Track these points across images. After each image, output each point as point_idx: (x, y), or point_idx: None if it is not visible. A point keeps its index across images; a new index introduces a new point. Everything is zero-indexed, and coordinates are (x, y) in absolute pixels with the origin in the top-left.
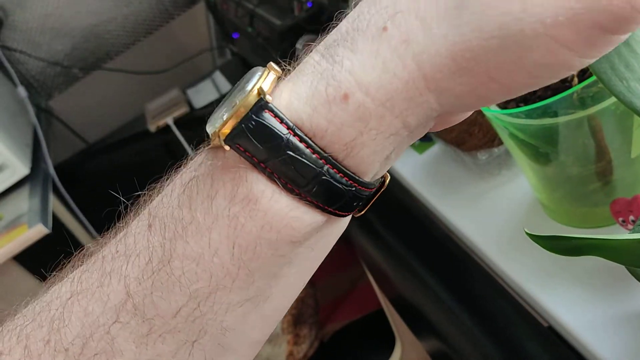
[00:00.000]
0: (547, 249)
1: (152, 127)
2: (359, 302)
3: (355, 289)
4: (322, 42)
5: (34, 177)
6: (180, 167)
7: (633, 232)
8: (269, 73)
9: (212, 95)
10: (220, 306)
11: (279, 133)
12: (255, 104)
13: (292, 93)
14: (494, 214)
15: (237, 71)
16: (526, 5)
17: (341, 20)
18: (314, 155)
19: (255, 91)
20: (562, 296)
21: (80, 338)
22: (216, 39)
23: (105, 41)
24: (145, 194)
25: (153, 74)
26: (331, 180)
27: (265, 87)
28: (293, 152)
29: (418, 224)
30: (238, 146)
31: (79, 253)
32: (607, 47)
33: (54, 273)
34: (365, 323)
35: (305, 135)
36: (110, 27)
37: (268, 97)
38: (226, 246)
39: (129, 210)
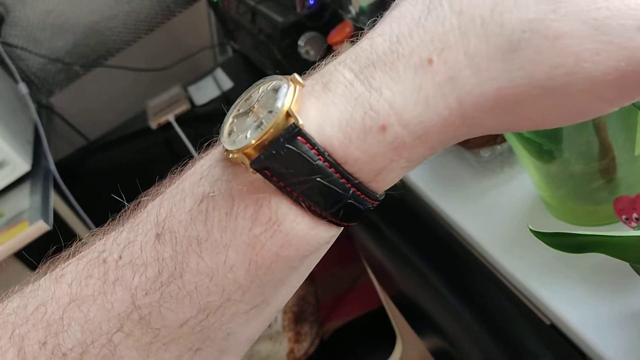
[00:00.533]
0: (551, 246)
1: (153, 124)
2: (359, 300)
3: (356, 286)
4: (352, 56)
5: (35, 174)
6: (184, 169)
7: (638, 229)
8: (295, 89)
9: (214, 93)
10: (228, 316)
11: (310, 160)
12: (287, 129)
13: (324, 117)
14: (497, 211)
15: (239, 68)
16: (579, 62)
17: (374, 35)
18: (341, 180)
19: (284, 111)
20: (564, 294)
21: (81, 344)
22: (217, 36)
23: (107, 38)
24: (145, 194)
25: (154, 71)
26: (355, 202)
27: (295, 107)
28: (322, 178)
29: (420, 222)
30: (266, 171)
31: (72, 246)
32: (638, 98)
33: (45, 263)
34: (366, 321)
35: (336, 162)
36: (111, 24)
37: (301, 123)
38: (242, 263)
39: (128, 207)
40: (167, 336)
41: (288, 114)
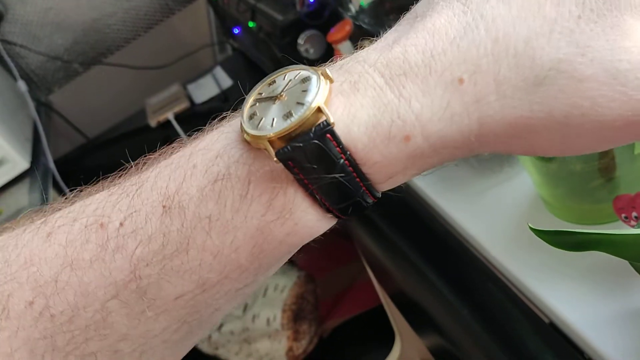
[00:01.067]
0: (551, 244)
1: (153, 122)
2: (358, 298)
3: (355, 285)
4: (384, 61)
5: (34, 172)
6: (192, 141)
7: (638, 227)
8: (326, 84)
9: (213, 91)
10: (222, 293)
11: (333, 157)
12: (319, 126)
13: (352, 117)
14: (496, 210)
15: (238, 67)
16: (594, 106)
17: (407, 44)
18: (356, 180)
19: (316, 107)
20: (564, 292)
21: (72, 308)
22: (217, 34)
23: (106, 36)
24: (147, 158)
25: (154, 69)
26: (362, 200)
27: (325, 105)
28: (340, 177)
29: (420, 220)
30: (289, 162)
31: (63, 200)
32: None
33: (28, 214)
34: (365, 319)
35: (357, 163)
36: (110, 21)
37: (332, 121)
38: (248, 245)
39: (125, 168)
40: (161, 307)
41: (319, 109)
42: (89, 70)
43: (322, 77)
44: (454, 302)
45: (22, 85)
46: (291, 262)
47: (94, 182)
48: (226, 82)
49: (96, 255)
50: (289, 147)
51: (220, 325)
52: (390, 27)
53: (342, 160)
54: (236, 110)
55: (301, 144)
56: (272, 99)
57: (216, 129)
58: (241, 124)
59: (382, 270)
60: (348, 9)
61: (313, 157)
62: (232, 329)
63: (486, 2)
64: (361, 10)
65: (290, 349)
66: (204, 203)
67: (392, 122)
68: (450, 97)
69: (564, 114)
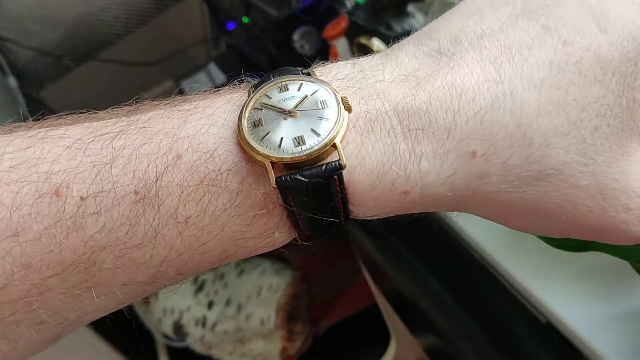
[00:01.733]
0: (552, 245)
1: None
2: (353, 299)
3: (350, 285)
4: (406, 102)
5: None
6: (185, 112)
7: None
8: (344, 116)
9: (206, 87)
10: (166, 284)
11: (331, 197)
12: (329, 167)
13: (360, 160)
14: None
15: (232, 63)
16: (574, 211)
17: (431, 92)
18: (341, 215)
19: (331, 142)
20: (561, 293)
21: (7, 278)
22: (211, 29)
23: (98, 31)
24: (141, 104)
25: (147, 65)
26: (334, 228)
27: (340, 142)
28: (330, 214)
29: (416, 220)
30: (287, 193)
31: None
32: None
33: None
34: (359, 319)
35: (349, 203)
36: (103, 16)
37: (344, 163)
38: (216, 251)
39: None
40: (104, 291)
41: (334, 146)
42: (81, 66)
43: (341, 106)
44: (450, 302)
45: (12, 81)
46: (285, 262)
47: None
48: (220, 78)
49: (47, 230)
50: (291, 177)
51: (214, 325)
52: (386, 24)
53: (336, 199)
54: (232, 83)
55: (304, 178)
56: (283, 112)
57: (207, 111)
58: (240, 126)
59: (377, 269)
60: (344, 5)
61: (311, 192)
62: (226, 328)
63: (519, 78)
64: (357, 6)
65: (284, 349)
66: (184, 203)
67: (397, 176)
68: (458, 167)
69: (548, 210)
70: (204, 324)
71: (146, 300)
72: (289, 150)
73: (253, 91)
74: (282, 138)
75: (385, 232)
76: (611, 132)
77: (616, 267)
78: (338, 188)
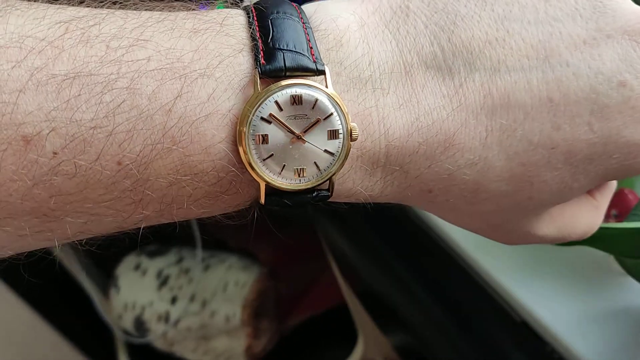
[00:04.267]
0: None
1: None
2: (321, 296)
3: (319, 282)
4: (399, 142)
5: None
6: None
7: (629, 222)
8: (348, 153)
9: None
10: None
11: (309, 202)
12: (320, 193)
13: (340, 185)
14: None
15: None
16: (485, 231)
17: (394, 139)
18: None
19: (328, 177)
20: (536, 290)
21: None
22: None
23: None
24: None
25: None
26: None
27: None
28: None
29: (390, 215)
30: (270, 203)
31: None
32: None
33: None
34: (327, 318)
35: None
36: None
37: (332, 195)
38: (157, 218)
39: None
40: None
41: (332, 183)
42: None
43: (348, 138)
44: (424, 300)
45: None
46: (253, 257)
47: None
48: None
49: (10, 179)
50: (282, 200)
51: (177, 321)
52: None
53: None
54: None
55: (291, 203)
56: (292, 134)
57: (211, 72)
58: (243, 142)
59: (348, 266)
60: None
61: (296, 203)
62: (189, 325)
63: (499, 146)
64: None
65: (249, 347)
66: (165, 195)
67: (362, 195)
68: (412, 195)
69: (474, 225)
70: (166, 319)
71: (106, 296)
72: (288, 179)
73: (262, 73)
74: (284, 166)
75: (357, 227)
76: (539, 204)
77: (594, 265)
78: (316, 203)
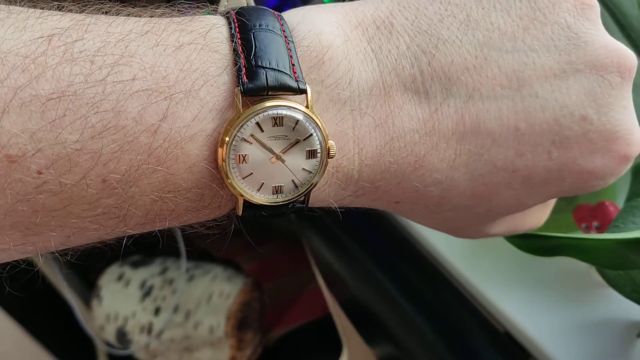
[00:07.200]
0: (521, 249)
1: None
2: (306, 307)
3: (304, 293)
4: (373, 162)
5: None
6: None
7: (610, 233)
8: (324, 173)
9: None
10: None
11: (284, 213)
12: (296, 204)
13: (315, 197)
14: None
15: None
16: (456, 230)
17: (363, 155)
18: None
19: (305, 192)
20: (519, 301)
21: None
22: None
23: None
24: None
25: None
26: None
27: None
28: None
29: (375, 226)
30: (248, 215)
31: None
32: None
33: None
34: (312, 329)
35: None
36: None
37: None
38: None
39: None
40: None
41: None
42: None
43: (326, 156)
44: (408, 311)
45: None
46: (238, 268)
47: None
48: None
49: None
50: (259, 212)
51: (160, 332)
52: None
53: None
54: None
55: (267, 215)
56: (270, 155)
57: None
58: (224, 163)
59: (334, 277)
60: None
61: (270, 217)
62: (173, 336)
63: (466, 168)
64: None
65: (233, 358)
66: (149, 211)
67: (332, 204)
68: (380, 205)
69: (446, 225)
70: (149, 331)
71: (88, 306)
72: (266, 194)
73: (244, 92)
74: (263, 184)
75: (342, 238)
76: (495, 215)
77: (577, 276)
78: (292, 215)
